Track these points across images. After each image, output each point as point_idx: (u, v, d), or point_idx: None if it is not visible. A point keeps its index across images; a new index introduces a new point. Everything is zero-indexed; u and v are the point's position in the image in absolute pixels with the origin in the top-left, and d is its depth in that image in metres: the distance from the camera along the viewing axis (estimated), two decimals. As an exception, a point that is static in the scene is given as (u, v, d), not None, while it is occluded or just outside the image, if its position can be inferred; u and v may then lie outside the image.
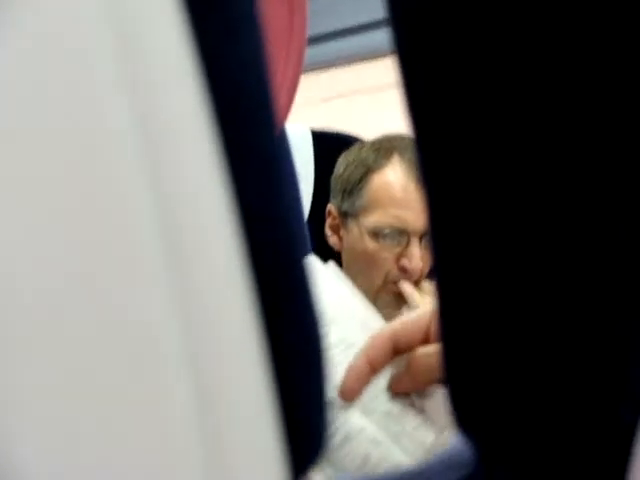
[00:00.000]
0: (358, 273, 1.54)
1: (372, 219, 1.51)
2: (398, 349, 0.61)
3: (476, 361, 0.31)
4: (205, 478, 0.22)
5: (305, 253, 0.32)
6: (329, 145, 1.70)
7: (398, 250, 1.51)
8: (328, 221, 1.60)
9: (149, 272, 0.22)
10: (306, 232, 0.30)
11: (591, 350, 0.29)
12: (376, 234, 1.51)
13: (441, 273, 0.32)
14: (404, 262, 1.50)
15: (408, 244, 1.50)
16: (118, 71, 0.22)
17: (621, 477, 0.30)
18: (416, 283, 1.51)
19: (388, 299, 1.53)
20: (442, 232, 0.31)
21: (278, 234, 0.29)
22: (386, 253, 1.51)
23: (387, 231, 1.51)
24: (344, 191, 1.56)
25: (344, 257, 1.59)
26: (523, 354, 0.30)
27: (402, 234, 1.50)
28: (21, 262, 0.21)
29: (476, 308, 0.31)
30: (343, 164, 1.59)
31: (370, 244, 1.51)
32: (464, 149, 0.30)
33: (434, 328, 0.61)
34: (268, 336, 0.26)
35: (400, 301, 1.53)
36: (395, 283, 1.52)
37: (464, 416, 0.33)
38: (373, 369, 0.60)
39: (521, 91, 0.28)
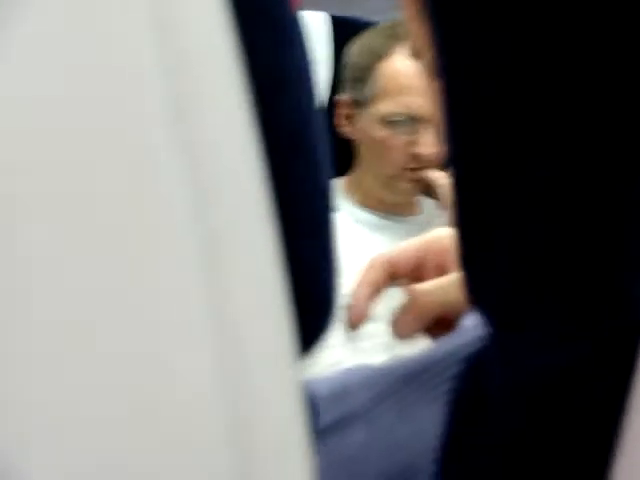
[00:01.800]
0: (372, 161, 1.54)
1: (382, 108, 1.50)
2: (395, 275, 0.62)
3: (487, 234, 0.33)
4: (215, 350, 0.23)
5: (315, 124, 0.32)
6: (350, 30, 1.66)
7: (410, 138, 1.49)
8: (340, 111, 1.58)
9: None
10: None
11: (593, 219, 0.31)
12: (387, 122, 1.49)
13: (456, 157, 0.33)
14: (417, 149, 1.49)
15: (419, 131, 1.48)
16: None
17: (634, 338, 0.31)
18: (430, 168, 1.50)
19: (404, 187, 1.53)
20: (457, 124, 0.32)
21: (289, 91, 0.30)
22: (397, 141, 1.50)
23: (397, 119, 1.49)
24: (354, 79, 1.54)
25: (358, 146, 1.58)
26: (531, 225, 0.32)
27: (413, 121, 1.48)
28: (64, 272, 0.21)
29: (485, 177, 0.32)
30: (354, 52, 1.56)
31: (381, 132, 1.50)
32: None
33: (429, 259, 0.61)
34: (277, 206, 0.27)
35: (417, 188, 1.52)
36: (410, 170, 1.51)
37: (479, 290, 0.34)
38: (375, 293, 0.61)
39: None
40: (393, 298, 0.62)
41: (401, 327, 0.60)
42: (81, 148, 0.22)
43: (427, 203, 1.55)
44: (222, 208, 0.24)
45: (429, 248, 0.62)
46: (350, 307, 0.60)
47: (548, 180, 0.31)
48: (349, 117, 1.56)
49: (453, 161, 0.33)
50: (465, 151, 0.33)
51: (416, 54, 0.47)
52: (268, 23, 0.30)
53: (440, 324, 0.61)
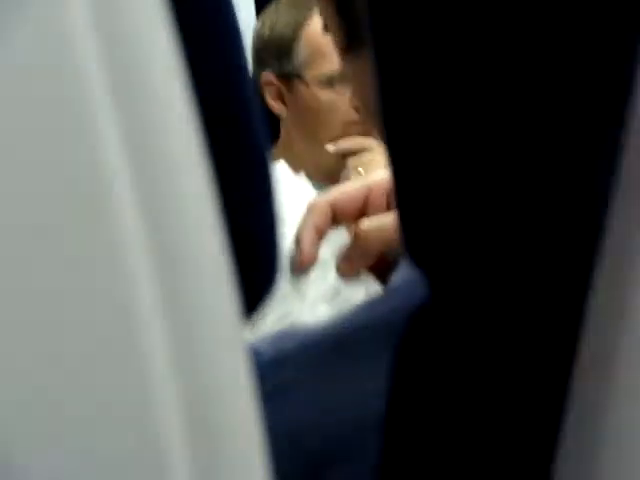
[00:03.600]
0: (312, 132, 1.52)
1: (319, 69, 1.48)
2: (336, 217, 0.61)
3: (427, 190, 0.32)
4: (160, 315, 0.23)
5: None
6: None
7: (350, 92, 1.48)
8: (269, 90, 1.55)
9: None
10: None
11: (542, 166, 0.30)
12: (328, 82, 1.48)
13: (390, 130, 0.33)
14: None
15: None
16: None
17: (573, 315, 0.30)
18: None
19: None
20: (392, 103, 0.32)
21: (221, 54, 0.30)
22: (342, 98, 1.49)
23: (338, 75, 1.48)
24: (279, 53, 1.52)
25: (290, 122, 1.55)
26: (474, 177, 0.31)
27: (353, 76, 1.47)
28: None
29: (423, 139, 0.31)
30: (266, 27, 1.53)
31: (324, 95, 1.49)
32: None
33: (372, 200, 0.60)
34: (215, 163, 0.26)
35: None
36: (356, 124, 1.50)
37: (417, 250, 0.33)
38: (319, 235, 0.60)
39: None
40: (335, 242, 0.61)
41: (346, 266, 0.59)
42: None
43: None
44: (164, 164, 0.23)
45: (371, 189, 0.61)
46: (295, 252, 0.59)
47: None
48: (278, 93, 1.54)
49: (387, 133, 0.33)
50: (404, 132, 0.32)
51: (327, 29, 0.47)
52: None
53: (383, 262, 0.61)
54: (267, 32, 1.53)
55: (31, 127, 0.22)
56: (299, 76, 1.51)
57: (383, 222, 0.59)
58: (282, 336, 0.43)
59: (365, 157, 1.46)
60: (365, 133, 1.50)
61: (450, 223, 0.32)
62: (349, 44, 0.45)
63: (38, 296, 0.22)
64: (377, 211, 0.60)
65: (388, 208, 0.61)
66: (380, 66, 0.33)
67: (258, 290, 0.32)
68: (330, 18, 0.46)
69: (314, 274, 0.60)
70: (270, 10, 1.55)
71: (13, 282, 0.21)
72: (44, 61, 0.22)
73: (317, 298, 0.60)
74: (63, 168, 0.22)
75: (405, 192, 0.33)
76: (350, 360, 0.40)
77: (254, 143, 0.32)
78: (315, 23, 1.49)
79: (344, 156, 1.50)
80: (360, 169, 1.41)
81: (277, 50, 1.52)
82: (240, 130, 0.31)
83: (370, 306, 0.42)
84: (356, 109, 1.48)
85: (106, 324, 0.22)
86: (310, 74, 1.50)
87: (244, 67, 0.32)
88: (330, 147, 1.48)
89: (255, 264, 0.31)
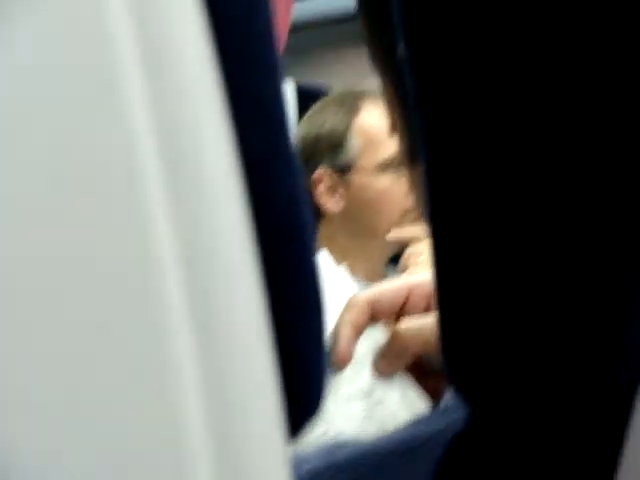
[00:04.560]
0: (365, 225, 1.52)
1: (373, 157, 1.50)
2: (375, 315, 0.60)
3: (471, 317, 0.31)
4: (208, 429, 0.23)
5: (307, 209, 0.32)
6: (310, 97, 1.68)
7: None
8: (320, 187, 1.55)
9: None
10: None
11: (588, 307, 0.29)
12: (382, 169, 1.49)
13: (438, 239, 0.33)
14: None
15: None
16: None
17: (618, 438, 0.29)
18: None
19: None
20: (439, 208, 0.32)
21: (284, 184, 0.30)
22: (398, 185, 1.49)
23: (391, 163, 1.49)
24: (333, 147, 1.53)
25: (340, 216, 1.55)
26: (519, 312, 0.30)
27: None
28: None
29: (471, 267, 0.31)
30: (313, 127, 1.55)
31: (383, 182, 1.50)
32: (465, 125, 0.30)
33: (412, 300, 0.60)
34: (269, 289, 0.27)
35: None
36: (412, 212, 1.50)
37: (459, 374, 0.33)
38: (356, 333, 0.60)
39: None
40: (371, 338, 0.61)
41: (383, 365, 0.59)
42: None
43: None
44: (216, 286, 0.24)
45: (411, 289, 0.60)
46: (331, 349, 0.59)
47: (531, 263, 0.30)
48: (332, 188, 1.55)
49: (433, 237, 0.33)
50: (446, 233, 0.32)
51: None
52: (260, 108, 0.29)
53: (420, 363, 0.60)
54: (316, 130, 1.54)
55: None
56: (354, 167, 1.52)
57: (421, 323, 0.58)
58: (325, 452, 0.43)
59: (422, 246, 1.45)
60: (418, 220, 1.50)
61: (495, 352, 0.31)
62: (414, 154, 0.45)
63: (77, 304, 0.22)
64: (417, 312, 0.60)
65: (428, 309, 0.60)
66: (429, 175, 0.33)
67: (304, 409, 0.32)
68: (396, 125, 0.46)
69: (349, 371, 0.59)
70: (316, 109, 1.57)
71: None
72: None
73: (350, 395, 0.59)
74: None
75: (449, 321, 0.33)
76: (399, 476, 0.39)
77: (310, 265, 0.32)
78: (365, 115, 1.51)
79: (401, 246, 1.49)
80: (416, 258, 1.41)
81: (329, 145, 1.53)
82: (300, 251, 0.31)
83: (414, 426, 0.42)
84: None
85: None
86: (365, 163, 1.51)
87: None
88: (391, 235, 1.48)
89: (302, 382, 0.31)
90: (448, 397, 0.48)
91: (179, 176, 0.23)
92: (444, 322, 0.33)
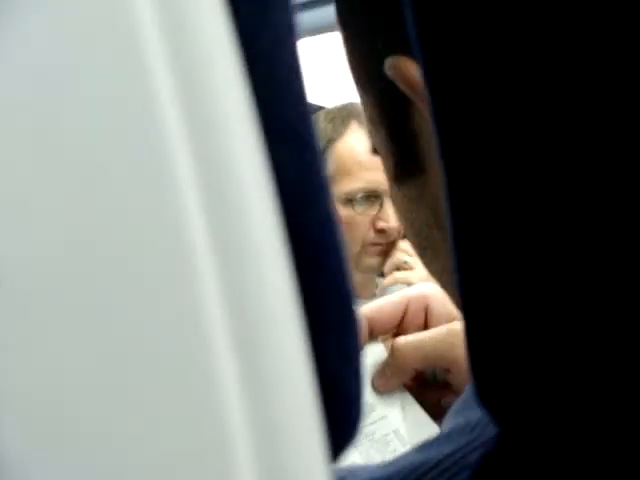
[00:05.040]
0: None
1: (342, 187, 1.50)
2: (373, 332, 0.60)
3: (500, 334, 0.31)
4: (251, 461, 0.23)
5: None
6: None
7: (372, 213, 1.49)
8: None
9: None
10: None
11: (621, 318, 0.29)
12: (348, 200, 1.50)
13: (463, 251, 0.32)
14: (381, 224, 1.49)
15: (382, 205, 1.48)
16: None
17: None
18: (394, 243, 1.50)
19: (370, 262, 1.52)
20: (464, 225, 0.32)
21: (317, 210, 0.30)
22: (361, 218, 1.50)
23: (360, 195, 1.49)
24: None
25: None
26: (549, 329, 0.30)
27: (375, 196, 1.49)
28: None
29: (500, 280, 0.30)
30: None
31: (344, 212, 1.50)
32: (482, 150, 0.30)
33: (409, 315, 0.60)
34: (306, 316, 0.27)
35: (383, 262, 1.52)
36: (374, 245, 1.51)
37: (487, 393, 0.32)
38: None
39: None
40: (370, 356, 0.60)
41: (381, 382, 0.58)
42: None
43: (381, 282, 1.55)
44: (256, 312, 0.24)
45: (409, 304, 0.60)
46: None
47: (566, 280, 0.29)
48: None
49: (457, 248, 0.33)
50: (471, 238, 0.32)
51: (376, 151, 0.47)
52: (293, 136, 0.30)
53: (419, 379, 0.60)
54: None
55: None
56: None
57: (420, 339, 0.58)
58: (346, 474, 0.42)
59: (404, 273, 1.46)
60: (384, 254, 1.50)
61: (526, 366, 0.31)
62: (401, 171, 0.45)
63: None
64: (414, 326, 0.60)
65: (426, 324, 0.60)
66: (450, 184, 0.32)
67: (343, 433, 0.31)
68: (381, 144, 0.46)
69: None
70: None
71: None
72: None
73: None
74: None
75: (477, 331, 0.32)
76: None
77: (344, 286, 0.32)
78: (346, 141, 1.52)
79: (382, 273, 1.50)
80: (400, 284, 1.41)
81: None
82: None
83: (430, 446, 0.41)
84: (379, 230, 1.49)
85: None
86: (335, 190, 1.51)
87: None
88: (385, 281, 1.48)
89: (339, 413, 0.30)
90: (450, 416, 0.47)
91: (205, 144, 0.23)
92: (472, 336, 0.32)
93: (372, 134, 0.46)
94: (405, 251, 1.48)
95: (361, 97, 0.46)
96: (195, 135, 0.23)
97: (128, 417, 0.22)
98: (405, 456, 0.41)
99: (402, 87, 0.40)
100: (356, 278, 1.53)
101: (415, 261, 1.45)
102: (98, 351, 0.21)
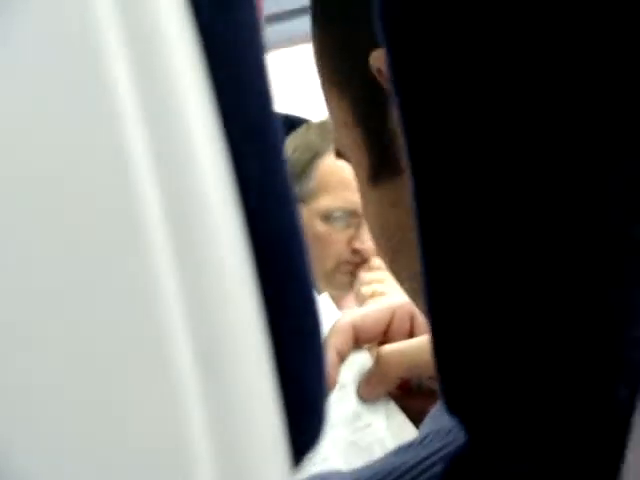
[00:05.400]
0: (312, 256, 1.53)
1: (322, 203, 1.50)
2: (358, 339, 0.60)
3: (465, 342, 0.31)
4: (212, 463, 0.23)
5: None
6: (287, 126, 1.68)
7: (350, 232, 1.49)
8: None
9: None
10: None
11: (586, 325, 0.29)
12: (327, 217, 1.50)
13: (429, 263, 0.32)
14: (357, 244, 1.49)
15: (359, 225, 1.49)
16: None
17: (618, 456, 0.29)
18: (366, 261, 1.50)
19: (343, 280, 1.52)
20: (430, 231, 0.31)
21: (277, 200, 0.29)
22: (338, 236, 1.50)
23: (338, 214, 1.49)
24: (293, 175, 1.54)
25: None
26: (514, 334, 0.30)
27: (353, 216, 1.49)
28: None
29: (464, 283, 0.30)
30: (290, 148, 1.56)
31: (321, 228, 1.50)
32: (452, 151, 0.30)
33: (395, 323, 0.60)
34: (267, 316, 0.26)
35: (354, 279, 1.52)
36: (348, 263, 1.50)
37: (454, 399, 0.32)
38: (340, 358, 0.59)
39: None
40: (356, 364, 0.60)
41: (367, 389, 0.58)
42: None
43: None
44: (216, 318, 0.24)
45: (394, 312, 0.60)
46: None
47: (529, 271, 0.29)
48: None
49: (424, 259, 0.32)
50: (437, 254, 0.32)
51: (340, 155, 0.47)
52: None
53: (404, 386, 0.60)
54: (289, 152, 1.55)
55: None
56: (305, 202, 1.52)
57: (405, 347, 0.58)
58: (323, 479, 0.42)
59: (376, 287, 1.45)
60: (354, 274, 1.50)
61: (490, 371, 0.31)
62: (378, 173, 0.44)
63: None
64: (400, 333, 0.60)
65: (411, 331, 0.60)
66: (417, 186, 0.32)
67: (305, 438, 0.31)
68: (354, 146, 0.45)
69: (334, 397, 0.59)
70: (299, 132, 1.57)
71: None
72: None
73: (337, 421, 0.59)
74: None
75: (443, 340, 0.32)
76: None
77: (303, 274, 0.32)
78: (332, 157, 1.51)
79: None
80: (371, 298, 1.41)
81: (292, 172, 1.54)
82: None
83: (406, 450, 0.41)
84: (355, 251, 1.49)
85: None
86: (312, 204, 1.51)
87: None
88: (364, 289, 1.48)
89: (301, 417, 0.30)
90: (428, 421, 0.47)
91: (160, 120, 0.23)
92: (438, 343, 0.32)
93: (342, 138, 0.46)
94: (377, 268, 1.48)
95: (333, 101, 0.46)
96: (153, 127, 0.23)
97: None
98: (381, 460, 0.41)
99: (383, 82, 0.40)
100: (334, 293, 1.53)
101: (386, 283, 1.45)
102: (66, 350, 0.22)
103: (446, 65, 0.29)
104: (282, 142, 0.30)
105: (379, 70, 0.40)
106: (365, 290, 1.42)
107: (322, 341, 0.31)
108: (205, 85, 0.24)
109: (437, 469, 0.38)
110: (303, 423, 0.30)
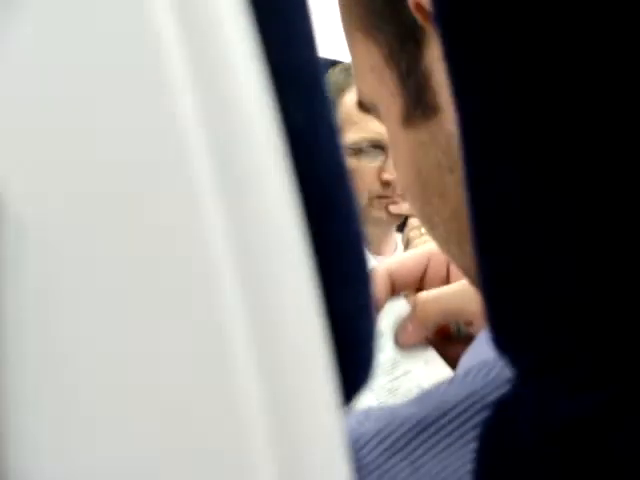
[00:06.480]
0: None
1: (349, 137, 1.49)
2: (395, 287, 0.60)
3: (516, 278, 0.30)
4: (259, 400, 0.23)
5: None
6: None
7: (378, 164, 1.49)
8: None
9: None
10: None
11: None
12: (354, 151, 1.49)
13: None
14: (386, 175, 1.49)
15: (387, 157, 1.48)
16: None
17: None
18: (402, 196, 1.50)
19: (378, 215, 1.52)
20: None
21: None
22: (367, 169, 1.50)
23: (365, 145, 1.49)
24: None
25: None
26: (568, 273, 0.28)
27: (380, 147, 1.48)
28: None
29: (513, 225, 0.29)
30: None
31: (350, 163, 1.49)
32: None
33: (431, 270, 0.60)
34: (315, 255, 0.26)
35: (392, 217, 1.52)
36: (380, 198, 1.50)
37: (503, 339, 0.31)
38: (378, 306, 0.59)
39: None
40: (393, 312, 0.60)
41: (404, 337, 0.58)
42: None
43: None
44: (266, 260, 0.23)
45: (430, 259, 0.60)
46: None
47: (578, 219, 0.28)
48: None
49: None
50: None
51: (362, 106, 0.46)
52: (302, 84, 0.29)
53: (442, 333, 0.60)
54: None
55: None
56: None
57: (442, 293, 0.58)
58: (362, 416, 0.42)
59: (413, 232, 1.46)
60: (388, 210, 1.50)
61: (544, 309, 0.30)
62: (408, 116, 0.43)
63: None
64: (436, 280, 0.60)
65: (447, 277, 0.60)
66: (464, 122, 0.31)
67: (354, 377, 0.31)
68: (384, 90, 0.44)
69: None
70: (329, 72, 1.57)
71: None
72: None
73: (375, 370, 0.59)
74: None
75: (494, 280, 0.31)
76: (433, 445, 0.39)
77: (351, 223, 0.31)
78: (354, 92, 1.50)
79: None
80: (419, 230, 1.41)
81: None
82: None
83: (441, 390, 0.41)
84: (385, 183, 1.48)
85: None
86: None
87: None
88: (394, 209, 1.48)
89: (351, 359, 0.30)
90: (465, 360, 0.47)
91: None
92: (486, 280, 0.32)
93: (367, 86, 0.45)
94: (415, 227, 1.48)
95: (358, 46, 0.45)
96: (201, 80, 0.23)
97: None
98: (425, 394, 0.41)
99: (421, 17, 0.39)
100: (374, 232, 1.53)
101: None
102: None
103: None
104: (327, 89, 0.30)
105: (417, 5, 0.39)
106: (414, 234, 1.42)
107: (371, 281, 0.31)
108: (250, 31, 0.24)
109: (484, 405, 0.37)
110: (353, 362, 0.30)
